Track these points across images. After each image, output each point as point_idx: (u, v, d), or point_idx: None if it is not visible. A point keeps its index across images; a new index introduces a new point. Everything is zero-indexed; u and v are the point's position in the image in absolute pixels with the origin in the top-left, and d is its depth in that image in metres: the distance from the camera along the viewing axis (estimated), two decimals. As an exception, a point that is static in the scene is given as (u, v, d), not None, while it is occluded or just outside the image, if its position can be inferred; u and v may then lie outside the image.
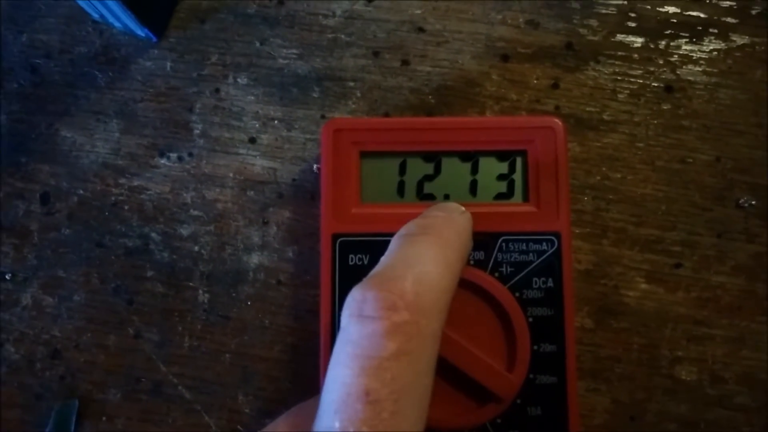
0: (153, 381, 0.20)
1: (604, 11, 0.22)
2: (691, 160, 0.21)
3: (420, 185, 0.19)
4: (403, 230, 0.16)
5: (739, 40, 0.21)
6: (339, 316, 0.18)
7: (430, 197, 0.19)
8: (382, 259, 0.16)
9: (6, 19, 0.22)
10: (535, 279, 0.19)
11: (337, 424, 0.13)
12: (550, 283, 0.18)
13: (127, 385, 0.20)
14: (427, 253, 0.15)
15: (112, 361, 0.21)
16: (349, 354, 0.13)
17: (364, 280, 0.15)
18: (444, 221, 0.17)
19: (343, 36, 0.22)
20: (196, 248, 0.21)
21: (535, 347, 0.18)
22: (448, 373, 0.17)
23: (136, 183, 0.21)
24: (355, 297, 0.14)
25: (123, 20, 0.21)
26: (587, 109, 0.21)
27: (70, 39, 0.22)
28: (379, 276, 0.15)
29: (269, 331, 0.21)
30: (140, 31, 0.21)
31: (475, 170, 0.19)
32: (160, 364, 0.21)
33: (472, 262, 0.18)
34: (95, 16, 0.22)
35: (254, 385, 0.20)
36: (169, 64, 0.22)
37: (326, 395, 0.13)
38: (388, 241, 0.18)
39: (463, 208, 0.17)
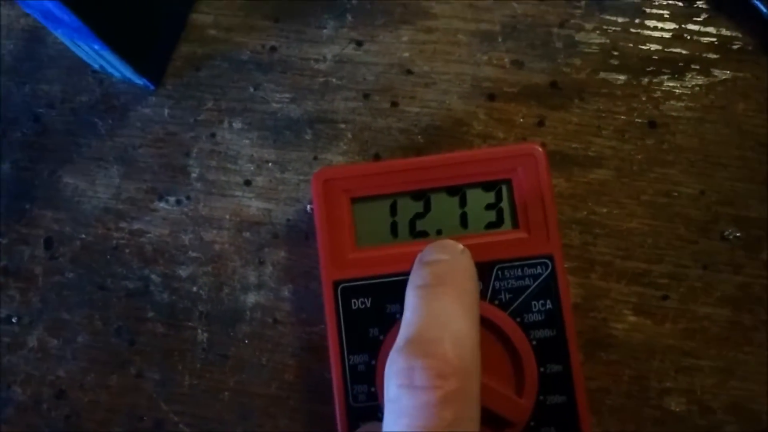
0: (154, 419, 0.21)
1: (587, 50, 0.22)
2: (676, 194, 0.21)
3: (412, 224, 0.20)
4: (417, 280, 0.17)
5: (720, 75, 0.22)
6: (348, 359, 0.19)
7: (424, 234, 0.20)
8: (410, 316, 0.16)
9: (9, 71, 0.23)
10: (533, 302, 0.19)
11: None
12: (549, 305, 0.19)
13: (130, 423, 0.21)
14: (453, 309, 0.16)
15: (114, 400, 0.21)
16: (408, 425, 0.14)
17: (403, 344, 0.15)
18: (454, 267, 0.17)
19: (334, 80, 0.22)
20: (195, 289, 0.22)
21: (542, 369, 0.19)
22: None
23: (136, 226, 0.22)
24: (401, 366, 0.14)
25: (121, 70, 0.22)
26: (573, 145, 0.22)
27: (71, 89, 0.23)
28: (417, 340, 0.15)
29: (266, 369, 0.21)
30: (138, 80, 0.22)
31: (463, 203, 0.20)
32: (161, 403, 0.21)
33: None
34: (95, 66, 0.22)
35: (253, 422, 0.21)
36: (166, 110, 0.22)
37: None
38: (389, 283, 0.19)
39: (461, 246, 0.18)
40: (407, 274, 0.17)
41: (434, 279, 0.16)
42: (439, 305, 0.16)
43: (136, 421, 0.21)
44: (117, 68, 0.22)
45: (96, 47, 0.20)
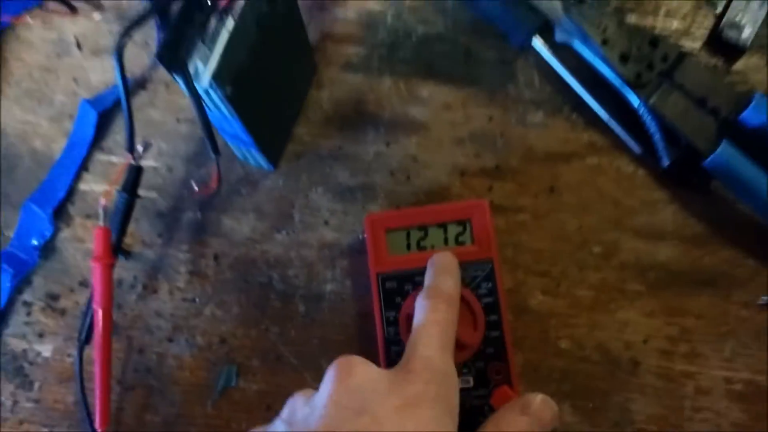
0: (276, 354, 0.38)
1: (515, 147, 0.40)
2: (564, 228, 0.38)
3: (418, 243, 0.37)
4: (430, 271, 0.33)
5: (590, 161, 0.39)
6: (384, 315, 0.35)
7: (424, 248, 0.36)
8: (427, 283, 0.33)
9: (187, 158, 0.40)
10: (482, 283, 0.35)
11: None
12: (491, 285, 0.35)
13: (264, 357, 0.38)
14: (448, 281, 0.32)
15: (253, 344, 0.38)
16: (421, 318, 0.30)
17: (425, 292, 0.32)
18: (448, 265, 0.34)
19: (374, 165, 0.40)
20: (297, 282, 0.38)
21: (487, 318, 0.34)
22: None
23: (265, 247, 0.39)
24: (423, 297, 0.31)
25: (257, 159, 0.39)
26: (506, 202, 0.39)
27: (226, 171, 0.40)
28: (432, 289, 0.32)
29: (338, 325, 0.38)
30: (266, 165, 0.40)
31: (445, 231, 0.37)
32: (279, 345, 0.38)
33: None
34: (240, 157, 0.40)
35: (330, 355, 0.37)
36: (281, 181, 0.40)
37: None
38: (407, 273, 0.35)
39: (451, 255, 0.34)
40: (418, 268, 0.34)
41: (438, 269, 0.33)
42: (441, 280, 0.32)
43: (265, 355, 0.38)
44: (255, 158, 0.39)
45: (252, 150, 0.37)
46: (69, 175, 0.39)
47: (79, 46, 0.42)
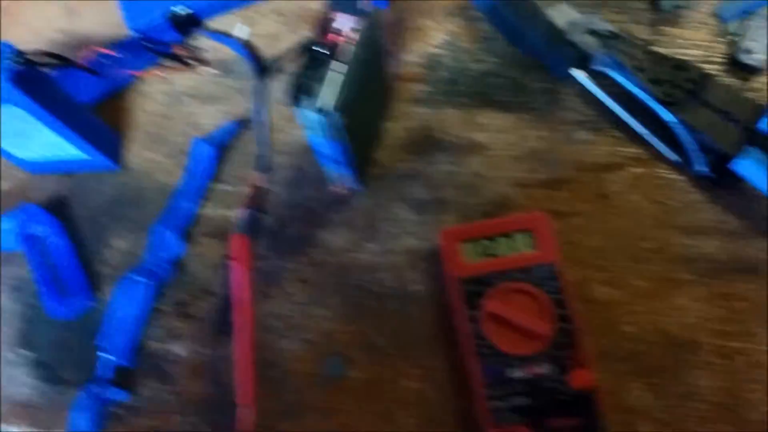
0: (375, 346, 0.43)
1: (569, 163, 0.46)
2: (617, 230, 0.44)
3: (489, 251, 0.42)
4: None
5: (635, 171, 0.46)
6: (469, 320, 0.41)
7: (495, 255, 0.42)
8: None
9: (290, 183, 0.48)
10: (549, 282, 0.40)
11: None
12: (556, 284, 0.40)
13: (365, 349, 0.43)
14: None
15: (355, 339, 0.44)
16: None
17: None
18: None
19: (444, 182, 0.47)
20: (387, 284, 0.45)
21: (558, 312, 0.40)
22: (524, 332, 0.40)
23: (358, 256, 0.45)
24: None
25: (348, 181, 0.46)
26: (560, 207, 0.45)
27: (317, 192, 0.47)
28: None
29: (426, 320, 0.44)
30: (357, 186, 0.46)
31: (512, 240, 0.43)
32: (377, 338, 0.44)
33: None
34: (332, 179, 0.47)
35: (421, 345, 0.43)
36: (367, 199, 0.47)
37: None
38: (484, 277, 0.41)
39: None
40: (492, 272, 0.40)
41: None
42: None
43: (366, 348, 0.43)
44: (346, 180, 0.46)
45: (346, 172, 0.44)
46: (192, 201, 0.46)
47: (190, 96, 0.50)
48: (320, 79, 0.35)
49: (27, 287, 0.47)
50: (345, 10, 0.35)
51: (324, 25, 0.35)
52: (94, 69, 0.45)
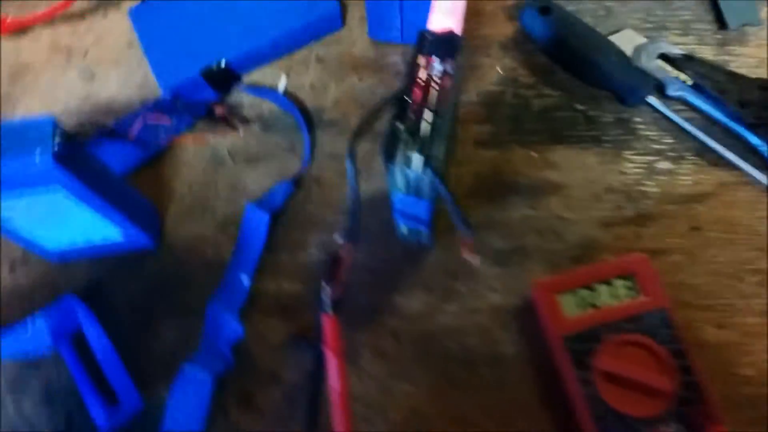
0: (469, 421, 0.39)
1: (651, 195, 0.43)
2: (719, 262, 0.41)
3: (589, 301, 0.39)
4: None
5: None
6: (582, 383, 0.36)
7: (595, 306, 0.38)
8: None
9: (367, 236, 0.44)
10: (662, 330, 0.36)
11: None
12: (670, 332, 0.37)
13: (458, 425, 0.39)
14: None
15: (445, 413, 0.39)
16: None
17: None
18: None
19: (522, 228, 0.43)
20: (476, 348, 0.40)
21: (678, 363, 0.36)
22: (644, 390, 0.35)
23: (439, 319, 0.41)
24: None
25: (421, 237, 0.42)
26: (654, 246, 0.42)
27: (384, 251, 0.43)
28: None
29: (525, 386, 0.39)
30: (427, 241, 0.42)
31: (613, 288, 0.39)
32: (469, 411, 0.39)
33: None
34: (402, 236, 0.43)
35: (523, 417, 0.38)
36: (440, 255, 0.42)
37: None
38: (590, 332, 0.37)
39: None
40: (596, 325, 0.37)
41: None
42: None
43: (459, 423, 0.39)
44: (419, 236, 0.42)
45: (423, 228, 0.40)
46: (246, 276, 0.41)
47: (232, 158, 0.46)
48: (414, 133, 0.31)
49: (61, 395, 0.41)
50: (434, 53, 0.32)
51: (413, 72, 0.31)
52: (139, 137, 0.41)
